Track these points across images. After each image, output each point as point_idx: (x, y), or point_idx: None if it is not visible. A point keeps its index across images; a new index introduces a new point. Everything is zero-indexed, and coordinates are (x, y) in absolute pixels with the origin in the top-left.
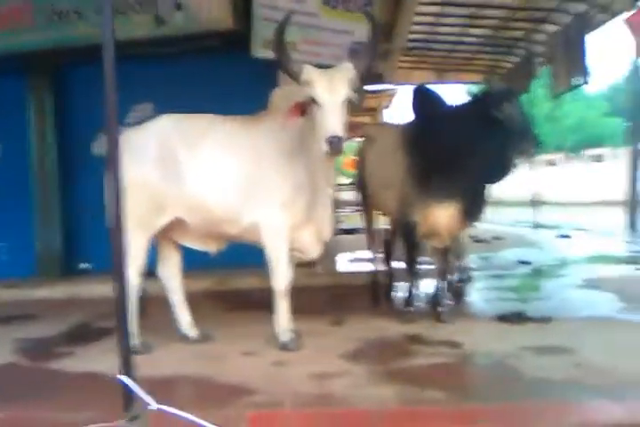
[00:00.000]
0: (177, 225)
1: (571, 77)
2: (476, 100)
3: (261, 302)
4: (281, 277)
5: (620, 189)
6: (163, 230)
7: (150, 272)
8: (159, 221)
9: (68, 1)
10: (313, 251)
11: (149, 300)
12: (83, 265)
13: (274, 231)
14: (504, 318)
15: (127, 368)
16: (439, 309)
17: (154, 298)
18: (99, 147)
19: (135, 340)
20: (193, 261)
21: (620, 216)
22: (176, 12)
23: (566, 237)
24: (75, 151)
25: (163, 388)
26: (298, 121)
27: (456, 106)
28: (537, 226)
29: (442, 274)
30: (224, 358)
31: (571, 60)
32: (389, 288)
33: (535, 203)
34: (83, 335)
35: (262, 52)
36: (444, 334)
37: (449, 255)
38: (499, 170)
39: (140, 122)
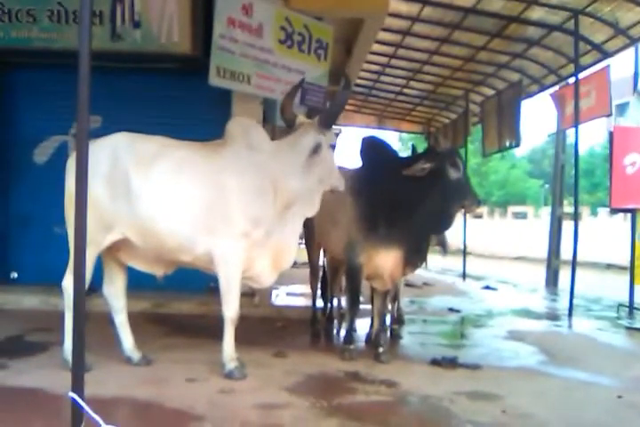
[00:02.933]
0: (125, 245)
1: (503, 139)
2: (424, 156)
3: (200, 328)
4: (231, 305)
5: (540, 247)
6: (110, 249)
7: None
8: (105, 238)
9: (19, 2)
10: (267, 280)
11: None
12: (13, 274)
13: (228, 261)
14: (437, 363)
15: (79, 386)
16: (379, 349)
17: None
18: (40, 154)
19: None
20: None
21: (540, 272)
22: (134, 30)
23: (492, 288)
24: (9, 158)
25: (109, 409)
26: None
27: (405, 158)
28: (464, 276)
29: (381, 315)
30: (168, 382)
31: (503, 123)
32: (328, 325)
33: (463, 253)
34: (15, 349)
35: (218, 80)
36: (383, 374)
37: (388, 298)
38: (441, 222)
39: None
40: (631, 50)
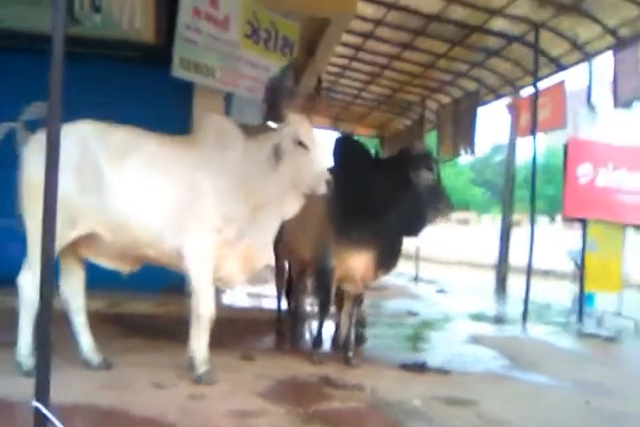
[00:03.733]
0: (88, 240)
1: (457, 146)
2: (399, 158)
3: (159, 330)
4: (206, 303)
5: (483, 253)
6: (71, 244)
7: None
8: (69, 233)
9: None
10: (235, 281)
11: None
12: None
13: (198, 258)
14: (407, 367)
15: (43, 394)
16: (348, 353)
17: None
18: None
19: (28, 360)
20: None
21: (485, 278)
22: (93, 15)
23: (443, 291)
24: None
25: (71, 417)
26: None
27: (379, 161)
28: (416, 279)
29: (350, 319)
30: (133, 388)
31: (459, 131)
32: (295, 327)
33: (415, 257)
34: None
35: (181, 72)
36: (354, 379)
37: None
38: (415, 225)
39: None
40: (584, 64)
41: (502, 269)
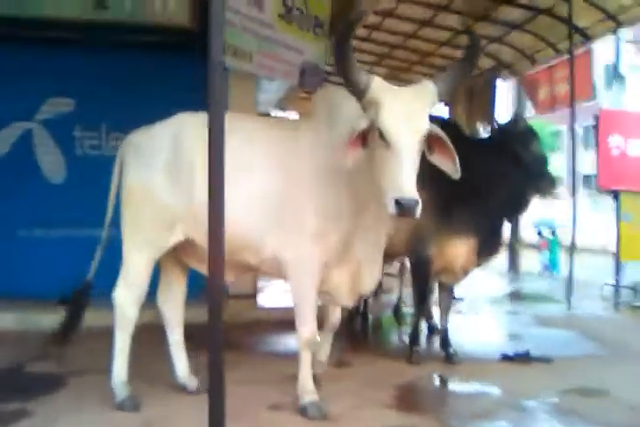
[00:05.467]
0: (190, 245)
1: (473, 123)
2: (502, 136)
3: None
4: (306, 324)
5: None
6: (172, 250)
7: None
8: (168, 239)
9: None
10: (346, 298)
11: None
12: None
13: (301, 267)
14: (510, 358)
15: None
16: (449, 349)
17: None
18: None
19: (123, 389)
20: None
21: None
22: None
23: None
24: None
25: None
26: (357, 157)
27: (480, 139)
28: None
29: (446, 312)
30: (250, 412)
31: (474, 107)
32: (364, 324)
33: None
34: (22, 386)
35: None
36: (470, 377)
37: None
38: (517, 206)
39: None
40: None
41: (515, 246)
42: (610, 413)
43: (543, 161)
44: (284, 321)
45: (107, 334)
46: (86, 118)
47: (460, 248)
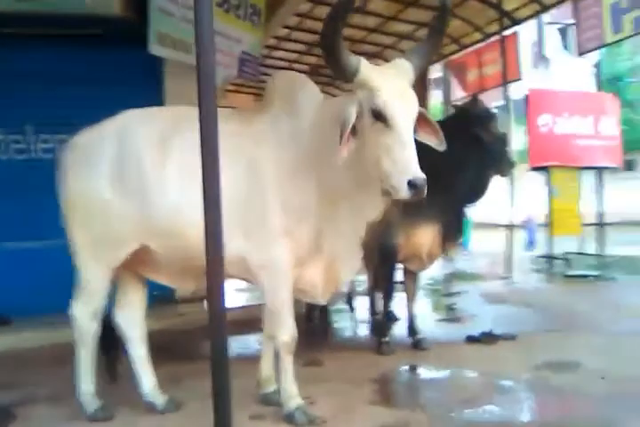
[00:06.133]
0: (145, 255)
1: None
2: (460, 117)
3: (181, 349)
4: (284, 326)
5: None
6: (126, 261)
7: None
8: (118, 253)
9: None
10: (323, 294)
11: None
12: None
13: (270, 268)
14: (475, 339)
15: None
16: (417, 335)
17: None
18: None
19: (92, 401)
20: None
21: None
22: None
23: None
24: None
25: None
26: (351, 147)
27: (439, 121)
28: None
29: (412, 299)
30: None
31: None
32: (323, 319)
33: None
34: None
35: (158, 49)
36: (442, 363)
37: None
38: (479, 190)
39: None
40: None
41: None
42: (584, 384)
43: (504, 141)
44: (239, 322)
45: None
46: (9, 119)
47: (425, 235)
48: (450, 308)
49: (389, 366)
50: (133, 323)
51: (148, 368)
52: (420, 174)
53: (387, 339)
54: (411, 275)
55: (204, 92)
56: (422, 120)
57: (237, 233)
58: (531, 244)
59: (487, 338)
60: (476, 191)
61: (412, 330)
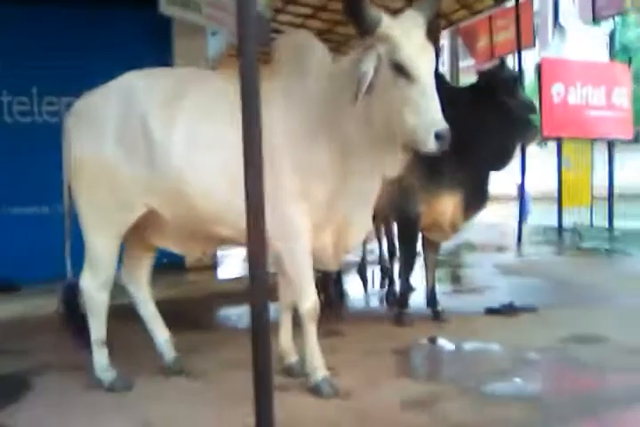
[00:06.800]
0: (152, 220)
1: None
2: (486, 82)
3: (196, 318)
4: (307, 293)
5: None
6: (134, 227)
7: None
8: (127, 217)
9: None
10: (332, 261)
11: None
12: None
13: (286, 231)
14: (495, 311)
15: None
16: (437, 307)
17: None
18: None
19: (107, 373)
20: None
21: None
22: None
23: None
24: None
25: None
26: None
27: (462, 87)
28: None
29: (432, 270)
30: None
31: None
32: (340, 286)
33: None
34: None
35: (169, 9)
36: (463, 333)
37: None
38: (504, 157)
39: None
40: None
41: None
42: (611, 357)
43: (530, 108)
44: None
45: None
46: (14, 81)
47: (447, 203)
48: (463, 279)
49: (410, 338)
50: (139, 285)
51: (160, 324)
52: (445, 125)
53: (406, 310)
54: (431, 245)
55: (246, 61)
56: None
57: (236, 191)
58: (524, 214)
59: (508, 310)
60: (501, 159)
61: (432, 301)
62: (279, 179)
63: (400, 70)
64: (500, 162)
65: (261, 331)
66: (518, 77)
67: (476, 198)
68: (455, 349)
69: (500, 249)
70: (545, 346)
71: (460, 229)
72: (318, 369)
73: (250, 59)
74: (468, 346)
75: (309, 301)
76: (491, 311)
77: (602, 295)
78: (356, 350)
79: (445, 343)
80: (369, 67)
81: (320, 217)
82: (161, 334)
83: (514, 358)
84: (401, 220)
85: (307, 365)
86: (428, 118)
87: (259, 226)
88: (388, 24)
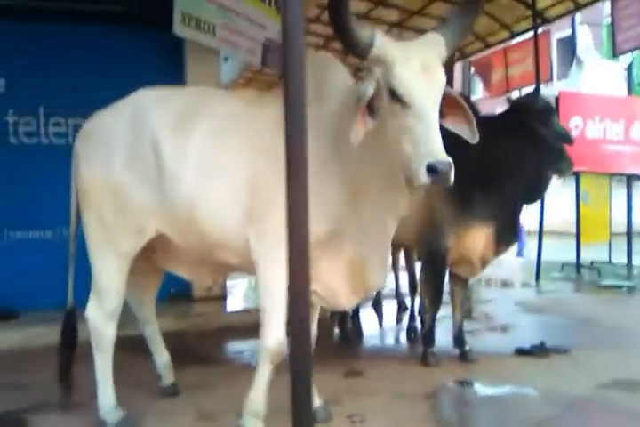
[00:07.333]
0: (162, 244)
1: None
2: (517, 112)
3: (204, 351)
4: (268, 331)
5: None
6: (143, 249)
7: None
8: (137, 239)
9: None
10: (343, 302)
11: None
12: None
13: (269, 263)
14: (526, 352)
15: None
16: (465, 347)
17: None
18: None
19: (112, 414)
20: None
21: None
22: None
23: None
24: None
25: None
26: (367, 129)
27: (492, 116)
28: None
29: (459, 307)
30: None
31: None
32: (357, 324)
33: None
34: None
35: (183, 29)
36: (494, 376)
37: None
38: (537, 189)
39: None
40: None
41: None
42: None
43: (565, 137)
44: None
45: None
46: (18, 100)
47: (478, 236)
48: (485, 316)
49: (439, 380)
50: (144, 306)
51: (161, 345)
52: (443, 157)
53: (432, 349)
54: (459, 281)
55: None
56: (452, 103)
57: (245, 218)
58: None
59: (538, 351)
60: (534, 191)
61: (460, 341)
62: (275, 203)
63: (394, 95)
64: (533, 194)
65: (303, 375)
66: (552, 107)
67: (507, 232)
68: (488, 393)
69: (516, 285)
70: (584, 392)
71: (490, 264)
72: (252, 413)
73: (296, 68)
74: (502, 390)
75: (274, 339)
76: (521, 352)
77: (631, 336)
78: (382, 392)
79: (480, 387)
80: (367, 89)
81: (317, 250)
82: (160, 356)
83: (552, 404)
84: (428, 254)
85: (245, 405)
86: (422, 148)
87: (302, 243)
88: (382, 44)
